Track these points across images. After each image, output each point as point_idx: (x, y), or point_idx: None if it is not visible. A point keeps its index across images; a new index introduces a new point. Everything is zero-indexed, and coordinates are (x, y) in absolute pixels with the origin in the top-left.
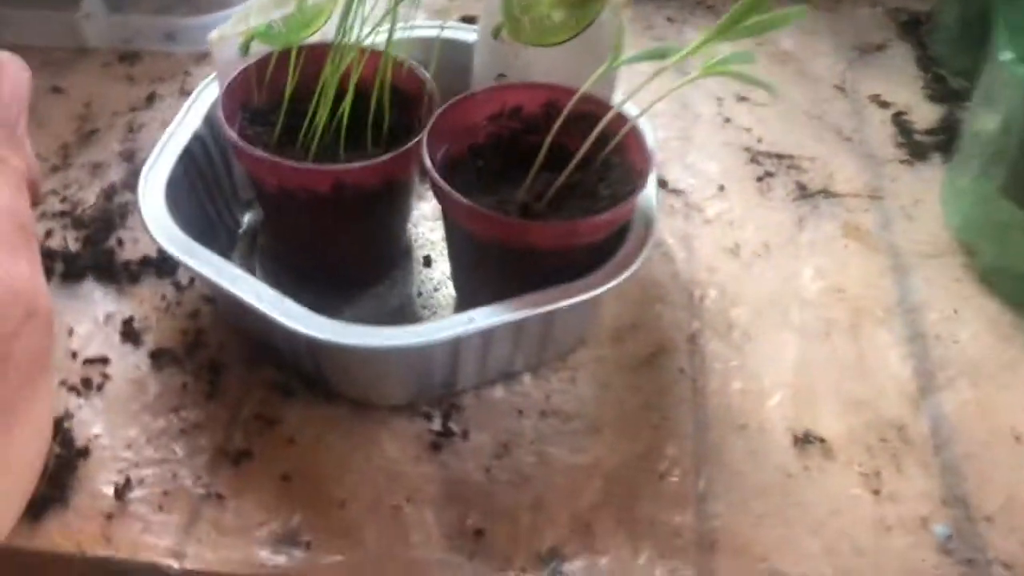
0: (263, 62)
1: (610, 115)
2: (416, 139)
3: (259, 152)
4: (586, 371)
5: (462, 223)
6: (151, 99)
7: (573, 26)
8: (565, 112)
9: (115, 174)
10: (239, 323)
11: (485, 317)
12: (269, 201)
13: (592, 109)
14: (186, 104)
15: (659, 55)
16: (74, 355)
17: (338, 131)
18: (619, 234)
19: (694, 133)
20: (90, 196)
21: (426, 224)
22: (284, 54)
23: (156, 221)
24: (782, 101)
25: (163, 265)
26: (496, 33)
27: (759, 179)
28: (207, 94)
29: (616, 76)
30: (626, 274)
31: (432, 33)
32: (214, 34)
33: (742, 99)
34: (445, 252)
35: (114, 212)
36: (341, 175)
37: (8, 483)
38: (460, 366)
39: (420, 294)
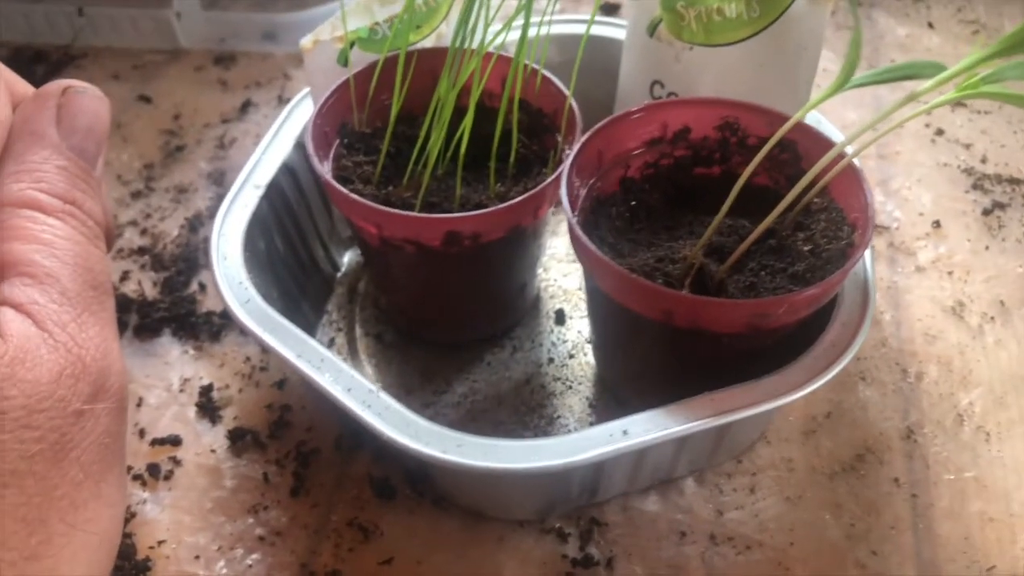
0: (365, 74)
1: (832, 153)
2: (552, 178)
3: (354, 196)
4: (768, 478)
5: (609, 291)
6: (245, 108)
7: (755, 21)
8: (776, 139)
9: (201, 200)
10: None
11: (644, 431)
12: (369, 248)
13: (785, 134)
14: (274, 126)
15: (909, 73)
16: (142, 433)
17: (455, 158)
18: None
19: (896, 149)
20: (173, 228)
21: (558, 268)
22: (391, 64)
23: (231, 283)
24: (1011, 107)
25: None
26: (652, 30)
27: (986, 212)
28: (300, 112)
29: (807, 88)
30: (837, 369)
31: (572, 30)
32: (306, 40)
33: (958, 104)
34: (580, 305)
35: (198, 248)
36: (457, 225)
37: None
38: (605, 478)
39: (551, 360)
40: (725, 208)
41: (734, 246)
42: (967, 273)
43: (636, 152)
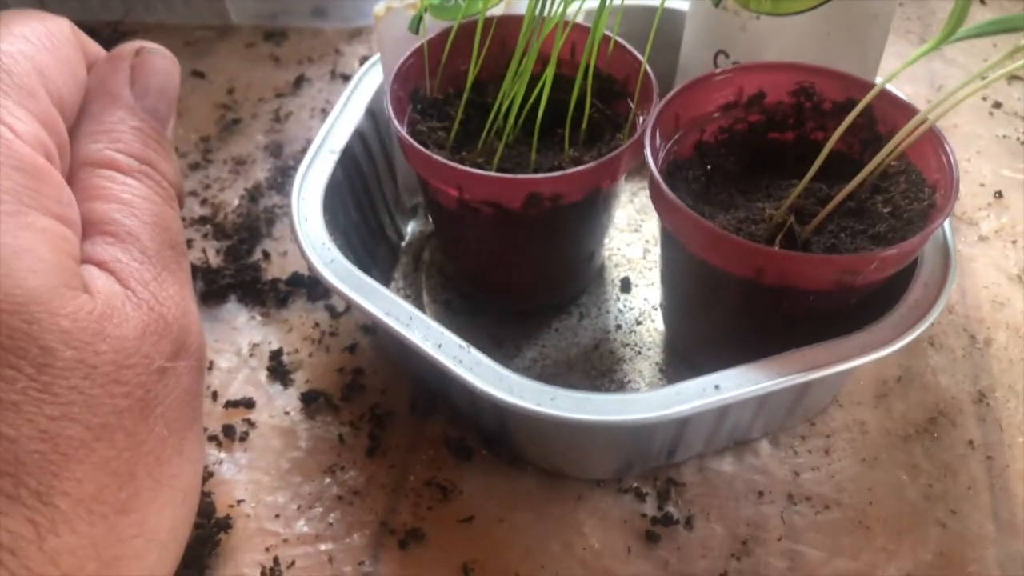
0: (438, 41)
1: (916, 121)
2: (631, 141)
3: (438, 157)
4: (843, 440)
5: (694, 249)
6: (299, 83)
7: None
8: (861, 106)
9: (260, 171)
10: (407, 365)
11: (735, 385)
12: (442, 213)
13: (857, 96)
14: (345, 93)
15: (1009, 26)
16: (215, 396)
17: (527, 127)
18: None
19: (955, 122)
20: (233, 198)
21: (621, 237)
22: (464, 31)
23: (314, 244)
24: None
25: (315, 286)
26: (717, 1)
27: None
28: (369, 80)
29: (877, 56)
30: (921, 328)
31: (634, 0)
32: (379, 7)
33: (1015, 78)
34: (645, 273)
35: (259, 218)
36: (539, 186)
37: (153, 559)
38: (686, 437)
39: (619, 327)
40: (812, 172)
41: (813, 208)
42: None
43: (712, 117)
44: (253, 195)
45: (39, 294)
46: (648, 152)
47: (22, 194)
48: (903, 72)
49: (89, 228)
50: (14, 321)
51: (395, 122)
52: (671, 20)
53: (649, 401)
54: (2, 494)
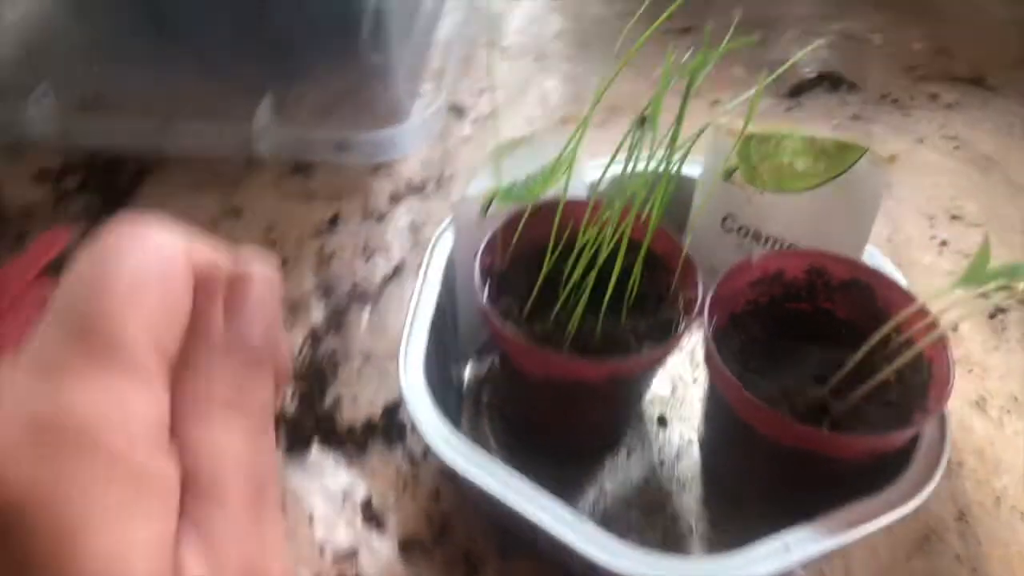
0: (511, 223)
1: (912, 309)
2: (691, 317)
3: (533, 345)
4: (859, 563)
5: (745, 417)
6: (335, 221)
7: (820, 174)
8: (897, 319)
9: (316, 314)
10: (494, 517)
11: (802, 543)
12: (519, 380)
13: (860, 276)
14: (423, 267)
15: (1015, 273)
16: (321, 550)
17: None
18: None
19: (910, 259)
20: (295, 343)
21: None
22: (529, 213)
23: (432, 426)
24: (996, 217)
25: (390, 430)
26: (728, 175)
27: (991, 316)
28: (440, 251)
29: (865, 234)
30: (936, 479)
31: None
32: (456, 197)
33: (955, 218)
34: (676, 409)
35: (324, 362)
36: (620, 368)
37: None
38: None
39: (663, 462)
40: (853, 362)
41: (829, 374)
42: (983, 371)
43: (743, 291)
44: (314, 338)
45: None
46: (710, 334)
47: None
48: (913, 242)
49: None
50: None
51: (491, 312)
52: (683, 184)
53: (733, 564)
54: None
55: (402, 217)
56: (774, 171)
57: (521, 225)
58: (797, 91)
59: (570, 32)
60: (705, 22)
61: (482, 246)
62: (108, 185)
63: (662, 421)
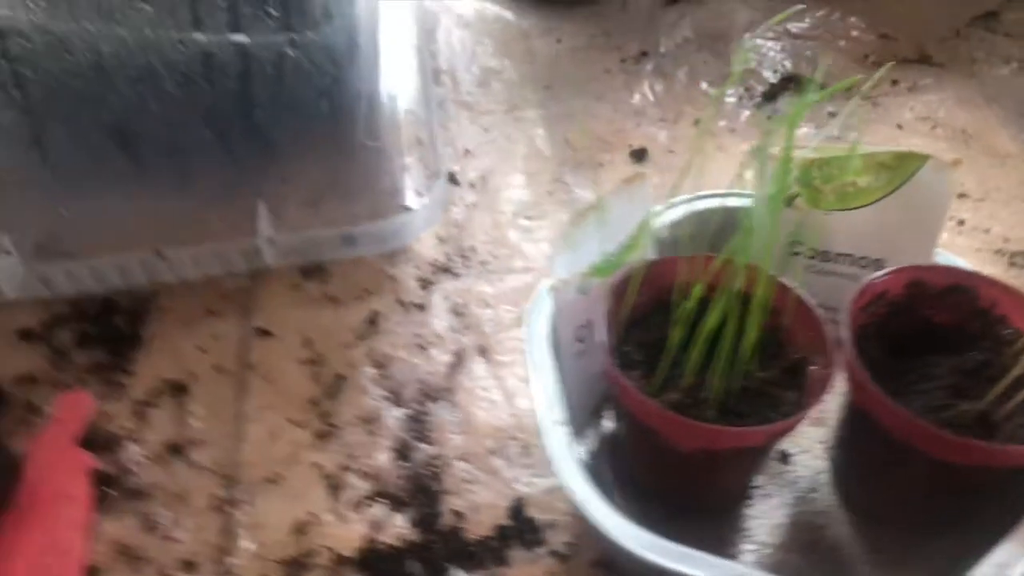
0: (617, 295)
1: None
2: (829, 356)
3: (688, 419)
4: None
5: (901, 437)
6: (373, 321)
7: (883, 187)
8: None
9: (393, 425)
10: None
11: (1018, 560)
12: (654, 450)
13: (960, 281)
14: (529, 355)
15: None
16: None
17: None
18: None
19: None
20: (383, 460)
21: None
22: (630, 279)
23: (605, 516)
24: (995, 190)
25: (523, 531)
26: (789, 202)
27: None
28: (536, 332)
29: (933, 239)
30: None
31: (708, 204)
32: (554, 282)
33: (961, 196)
34: (796, 442)
35: (423, 476)
36: (785, 426)
37: None
38: None
39: (800, 498)
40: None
41: (968, 382)
42: None
43: (856, 317)
44: (402, 451)
45: None
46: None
47: None
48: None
49: None
50: None
51: (630, 385)
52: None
53: None
54: None
55: (441, 302)
56: (838, 191)
57: (631, 298)
58: (771, 97)
59: (528, 76)
60: (657, 44)
61: (601, 323)
62: (109, 333)
63: (784, 458)
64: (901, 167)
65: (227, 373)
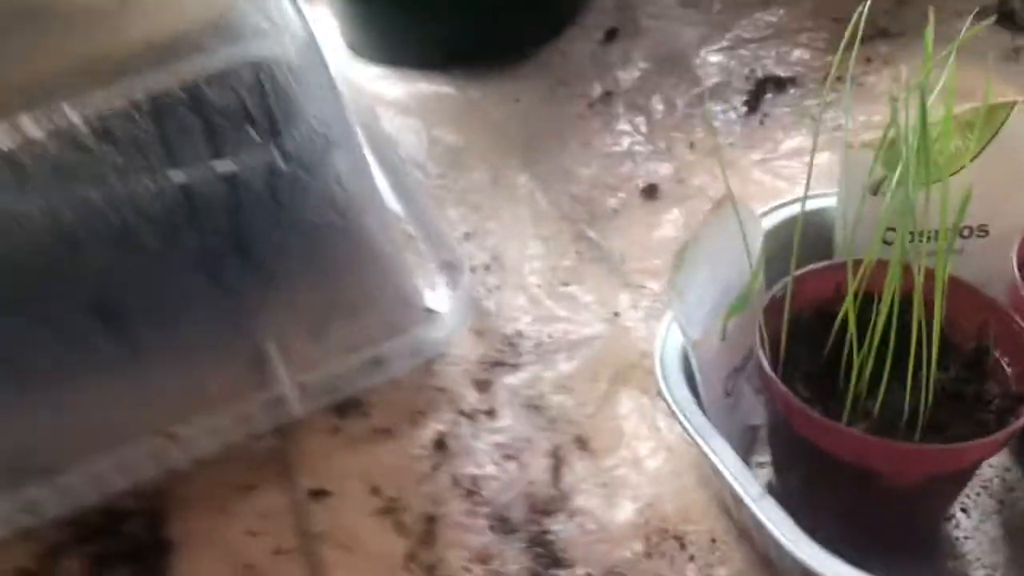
0: (774, 338)
1: None
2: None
3: (922, 446)
4: None
5: None
6: (441, 445)
7: (974, 147)
8: None
9: (517, 557)
10: None
11: None
12: (857, 488)
13: None
14: (688, 431)
15: None
16: None
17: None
18: None
19: None
20: None
21: None
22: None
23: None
24: None
25: None
26: (875, 189)
27: None
28: (679, 395)
29: None
30: None
31: (790, 212)
32: (697, 337)
33: None
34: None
35: None
36: (986, 449)
37: None
38: None
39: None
40: None
41: None
42: None
43: None
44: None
45: None
46: None
47: None
48: None
49: None
50: None
51: (827, 427)
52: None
53: None
54: None
55: (510, 400)
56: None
57: (785, 346)
58: (754, 104)
59: (499, 142)
60: (617, 81)
61: (764, 359)
62: (127, 546)
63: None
64: (988, 120)
65: (292, 553)
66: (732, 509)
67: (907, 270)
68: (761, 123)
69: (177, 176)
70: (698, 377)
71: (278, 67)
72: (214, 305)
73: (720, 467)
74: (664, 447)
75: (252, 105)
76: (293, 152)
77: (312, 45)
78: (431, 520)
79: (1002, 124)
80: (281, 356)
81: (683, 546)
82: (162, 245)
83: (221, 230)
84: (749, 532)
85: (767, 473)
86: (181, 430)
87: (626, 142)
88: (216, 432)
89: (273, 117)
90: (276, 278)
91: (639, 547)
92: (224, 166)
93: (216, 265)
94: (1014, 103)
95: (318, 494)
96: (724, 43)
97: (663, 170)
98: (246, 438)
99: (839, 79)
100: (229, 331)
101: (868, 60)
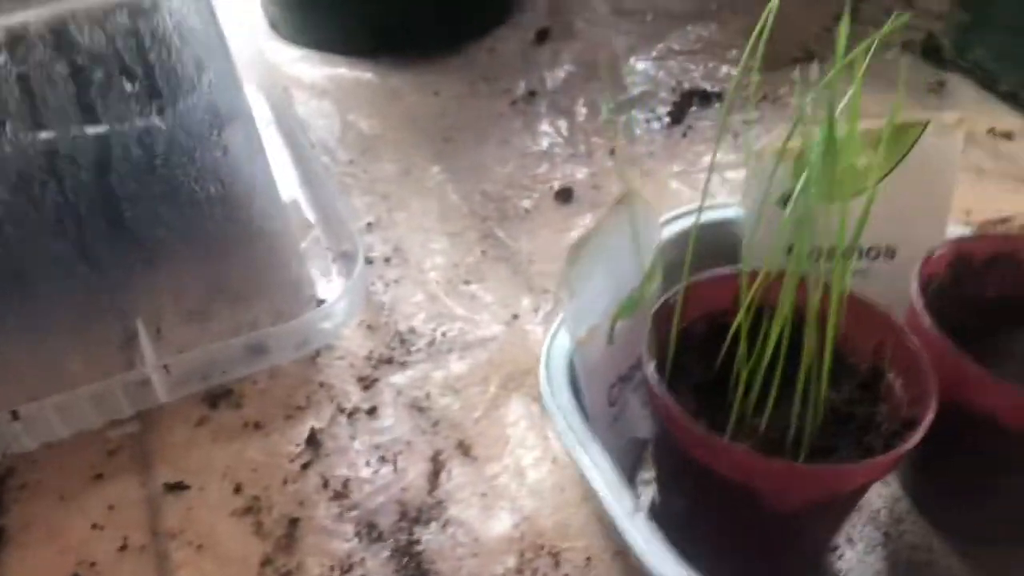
0: (663, 346)
1: None
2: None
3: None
4: None
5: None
6: (315, 441)
7: (884, 164)
8: None
9: (382, 567)
10: None
11: None
12: (744, 511)
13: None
14: (568, 437)
15: None
16: None
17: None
18: None
19: None
20: None
21: None
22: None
23: None
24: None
25: None
26: (783, 202)
27: None
28: (563, 401)
29: (948, 205)
30: None
31: (685, 224)
32: (582, 335)
33: None
34: None
35: None
36: (900, 455)
37: None
38: None
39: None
40: None
41: None
42: None
43: None
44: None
45: None
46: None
47: None
48: None
49: None
50: None
51: (716, 445)
52: (716, 228)
53: None
54: None
55: (394, 399)
56: (836, 180)
57: (675, 342)
58: (678, 116)
59: (415, 134)
60: (543, 81)
61: (652, 370)
62: None
63: None
64: (900, 138)
65: (139, 551)
66: (608, 526)
67: (805, 284)
68: (684, 135)
69: (38, 127)
70: (581, 381)
71: (159, 15)
72: (77, 275)
73: (591, 477)
74: (550, 458)
75: (126, 52)
76: (173, 113)
77: (205, 5)
78: (294, 523)
79: (913, 143)
80: (151, 336)
81: (558, 564)
82: (19, 204)
83: (88, 192)
84: (625, 552)
85: (653, 491)
86: (28, 409)
87: (546, 143)
88: (67, 414)
89: (150, 69)
90: (151, 251)
91: (511, 562)
92: (92, 119)
93: (81, 232)
94: (927, 122)
95: (175, 488)
96: (654, 53)
97: (580, 174)
98: (104, 423)
99: (764, 98)
100: (94, 306)
101: (793, 82)
